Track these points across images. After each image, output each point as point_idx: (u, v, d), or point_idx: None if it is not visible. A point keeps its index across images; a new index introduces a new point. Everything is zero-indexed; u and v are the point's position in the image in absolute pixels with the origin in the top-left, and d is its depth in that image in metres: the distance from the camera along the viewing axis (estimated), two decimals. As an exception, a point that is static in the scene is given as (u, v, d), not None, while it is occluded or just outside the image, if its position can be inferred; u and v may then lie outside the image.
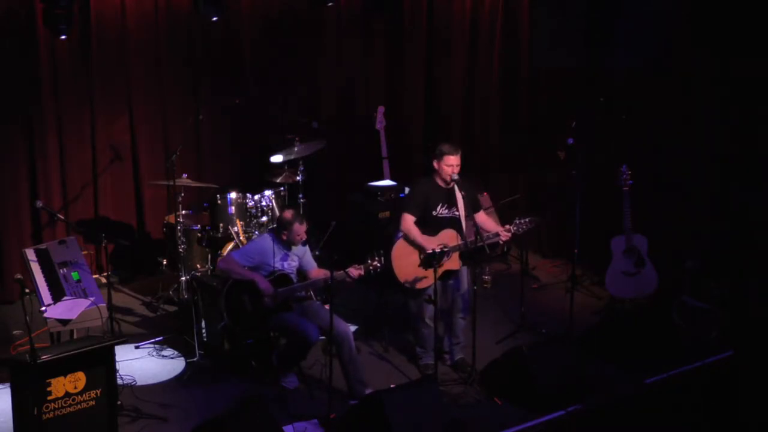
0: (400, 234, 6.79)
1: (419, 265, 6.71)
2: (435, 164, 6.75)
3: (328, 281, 6.27)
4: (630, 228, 7.75)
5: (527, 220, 6.72)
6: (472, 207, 6.77)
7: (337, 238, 8.30)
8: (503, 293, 8.42)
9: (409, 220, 6.73)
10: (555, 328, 7.58)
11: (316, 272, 6.82)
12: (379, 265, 6.50)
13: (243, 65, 8.93)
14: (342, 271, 6.46)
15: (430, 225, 6.74)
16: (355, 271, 6.48)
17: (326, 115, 9.22)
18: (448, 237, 6.71)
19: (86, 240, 8.19)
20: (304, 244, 6.81)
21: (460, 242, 6.70)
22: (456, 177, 6.66)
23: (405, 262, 6.73)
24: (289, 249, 6.70)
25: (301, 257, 6.80)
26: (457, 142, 7.00)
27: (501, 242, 6.82)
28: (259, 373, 6.75)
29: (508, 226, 6.73)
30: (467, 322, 6.96)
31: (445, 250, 6.58)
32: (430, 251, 6.53)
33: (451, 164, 6.67)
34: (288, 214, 6.64)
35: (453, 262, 6.74)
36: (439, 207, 6.74)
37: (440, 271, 6.62)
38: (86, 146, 8.39)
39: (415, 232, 6.70)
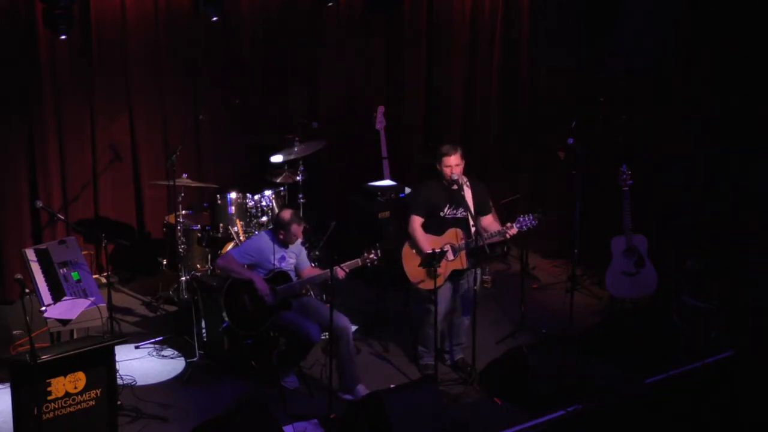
0: None
1: (419, 265, 6.72)
2: (437, 166, 6.76)
3: (328, 279, 6.29)
4: (630, 228, 7.74)
5: (530, 217, 6.65)
6: (480, 210, 6.76)
7: (337, 238, 8.29)
8: (503, 293, 8.42)
9: (415, 222, 6.72)
10: (555, 328, 7.57)
11: (309, 271, 6.83)
12: (375, 257, 6.49)
13: (243, 65, 8.92)
14: (337, 267, 6.44)
15: (437, 225, 6.74)
16: (350, 263, 6.48)
17: (326, 115, 9.21)
18: (451, 236, 6.70)
19: (86, 240, 8.19)
20: (302, 243, 6.81)
21: (461, 242, 6.70)
22: (456, 177, 6.64)
23: (414, 262, 6.74)
24: (286, 247, 6.70)
25: (297, 255, 6.80)
26: (457, 142, 6.99)
27: (505, 238, 6.79)
28: (259, 373, 6.75)
29: (510, 224, 6.69)
30: (469, 322, 6.96)
31: (445, 250, 6.58)
32: (430, 251, 6.54)
33: (449, 165, 6.66)
34: (286, 214, 6.64)
35: (459, 262, 6.73)
36: (446, 208, 6.73)
37: (448, 270, 6.63)
38: (86, 146, 8.39)
39: (418, 234, 6.70)
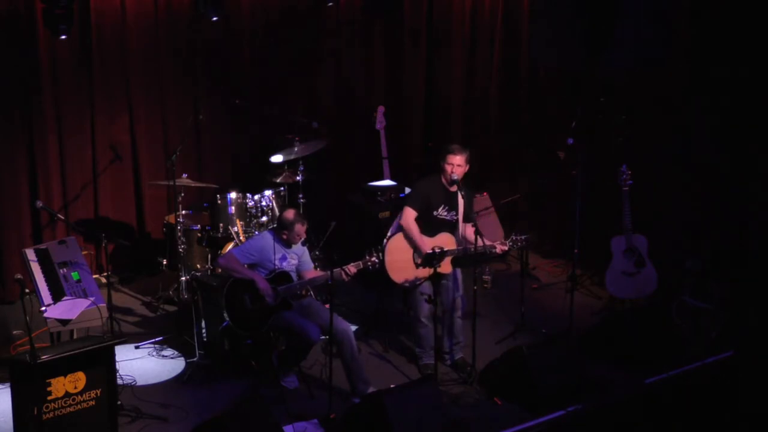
0: (393, 229, 6.81)
1: (419, 266, 6.71)
2: (441, 163, 6.77)
3: (328, 280, 6.29)
4: (630, 228, 7.75)
5: (523, 237, 6.85)
6: (465, 216, 6.79)
7: (337, 238, 8.30)
8: (503, 293, 8.43)
9: (410, 215, 6.74)
10: (555, 328, 7.57)
11: (311, 274, 6.83)
12: (376, 261, 6.51)
13: (243, 65, 8.93)
14: (339, 269, 6.46)
15: (428, 224, 6.75)
16: (353, 268, 6.49)
17: (326, 115, 9.21)
18: (445, 240, 6.71)
19: (86, 240, 8.20)
20: (303, 243, 6.81)
21: (457, 247, 6.72)
22: (456, 177, 6.66)
23: (397, 258, 6.74)
24: (289, 247, 6.70)
25: (300, 256, 6.80)
26: (456, 142, 7.01)
27: (496, 254, 6.94)
28: (259, 373, 6.75)
29: (503, 241, 6.86)
30: (465, 321, 6.96)
31: (446, 251, 6.59)
32: (430, 251, 6.54)
33: (451, 163, 6.68)
34: (289, 214, 6.64)
35: (444, 266, 6.74)
36: (440, 208, 6.76)
37: (431, 272, 6.64)
38: (86, 146, 8.39)
39: (414, 229, 6.71)
